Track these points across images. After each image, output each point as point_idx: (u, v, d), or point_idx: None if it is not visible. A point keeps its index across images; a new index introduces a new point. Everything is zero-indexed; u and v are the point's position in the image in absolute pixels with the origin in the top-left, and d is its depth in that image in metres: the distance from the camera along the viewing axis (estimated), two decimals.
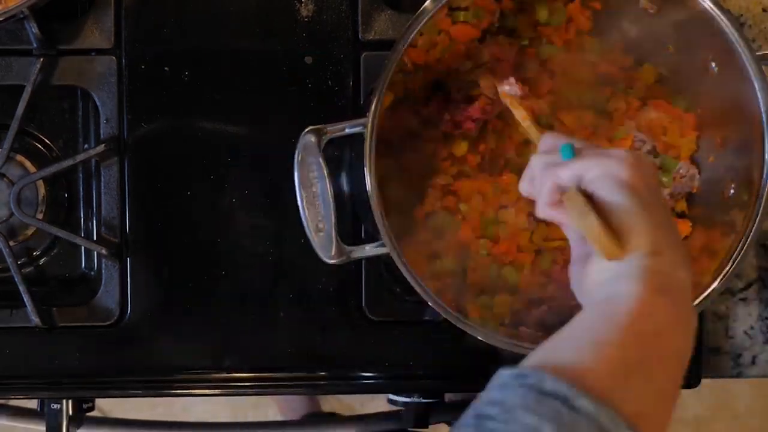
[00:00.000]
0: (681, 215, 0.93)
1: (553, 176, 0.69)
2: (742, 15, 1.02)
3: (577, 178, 0.67)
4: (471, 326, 0.82)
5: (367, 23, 0.95)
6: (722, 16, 0.83)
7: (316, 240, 0.82)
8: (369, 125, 0.80)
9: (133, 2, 0.95)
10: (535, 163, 0.72)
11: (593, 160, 0.67)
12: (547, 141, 0.75)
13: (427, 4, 0.82)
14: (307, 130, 0.82)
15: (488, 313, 0.89)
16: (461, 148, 0.91)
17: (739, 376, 1.04)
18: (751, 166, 0.85)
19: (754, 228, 0.84)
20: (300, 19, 0.95)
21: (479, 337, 0.82)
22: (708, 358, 1.03)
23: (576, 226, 0.67)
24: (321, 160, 0.81)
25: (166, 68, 0.95)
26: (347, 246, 0.82)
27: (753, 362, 1.04)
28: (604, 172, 0.66)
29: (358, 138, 0.81)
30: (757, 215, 0.84)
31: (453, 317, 0.82)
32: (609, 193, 0.65)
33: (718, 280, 0.84)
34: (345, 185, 0.93)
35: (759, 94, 0.83)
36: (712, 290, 0.84)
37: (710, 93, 0.90)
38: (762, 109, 0.83)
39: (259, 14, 0.95)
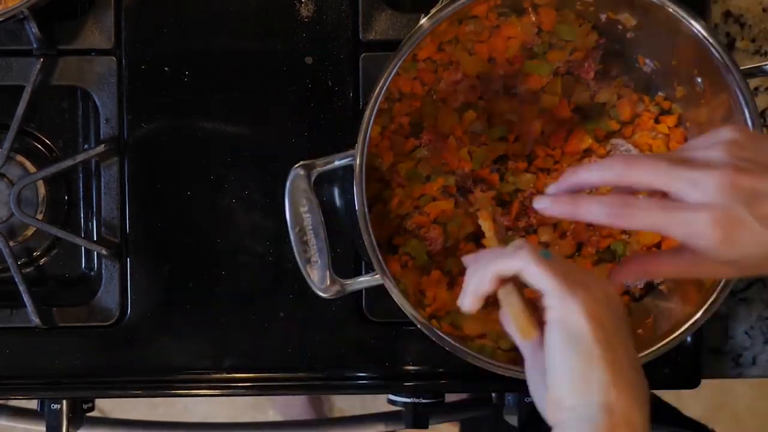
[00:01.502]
0: None
1: (499, 264, 0.70)
2: (742, 15, 1.02)
3: (519, 269, 0.68)
4: (469, 353, 0.82)
5: (367, 23, 0.95)
6: (706, 34, 0.82)
7: (309, 274, 0.82)
8: (358, 158, 0.79)
9: (133, 2, 0.95)
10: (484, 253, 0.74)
11: (558, 296, 0.67)
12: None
13: (423, 21, 0.82)
14: (296, 165, 0.82)
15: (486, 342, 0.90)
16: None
17: (739, 376, 1.04)
18: None
19: None
20: (300, 19, 0.95)
21: (476, 364, 0.82)
22: (708, 358, 1.03)
23: (503, 304, 0.69)
24: (311, 194, 0.82)
25: (166, 68, 0.95)
26: (342, 279, 0.83)
27: (753, 362, 1.04)
28: (560, 318, 0.66)
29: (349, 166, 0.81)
30: None
31: (450, 345, 0.82)
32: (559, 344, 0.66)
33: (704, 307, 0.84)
34: (340, 208, 0.93)
35: (745, 109, 0.82)
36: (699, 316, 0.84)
37: (697, 108, 0.89)
38: (749, 124, 0.83)
39: (259, 14, 0.95)
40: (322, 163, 0.80)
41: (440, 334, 0.82)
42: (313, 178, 0.82)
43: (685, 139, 0.92)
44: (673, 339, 0.84)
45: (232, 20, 0.95)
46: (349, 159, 0.80)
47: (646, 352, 0.83)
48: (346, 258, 0.95)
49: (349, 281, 0.83)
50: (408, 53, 0.81)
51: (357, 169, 0.79)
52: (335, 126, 0.95)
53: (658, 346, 0.83)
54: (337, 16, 0.95)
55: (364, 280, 0.83)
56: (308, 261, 0.82)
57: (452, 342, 0.81)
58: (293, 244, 0.82)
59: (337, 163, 0.80)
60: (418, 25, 0.81)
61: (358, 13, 0.95)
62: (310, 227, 0.82)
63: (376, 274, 0.80)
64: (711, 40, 0.82)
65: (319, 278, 0.83)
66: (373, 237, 0.79)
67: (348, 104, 0.95)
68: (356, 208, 0.79)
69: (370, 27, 0.95)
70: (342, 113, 0.95)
